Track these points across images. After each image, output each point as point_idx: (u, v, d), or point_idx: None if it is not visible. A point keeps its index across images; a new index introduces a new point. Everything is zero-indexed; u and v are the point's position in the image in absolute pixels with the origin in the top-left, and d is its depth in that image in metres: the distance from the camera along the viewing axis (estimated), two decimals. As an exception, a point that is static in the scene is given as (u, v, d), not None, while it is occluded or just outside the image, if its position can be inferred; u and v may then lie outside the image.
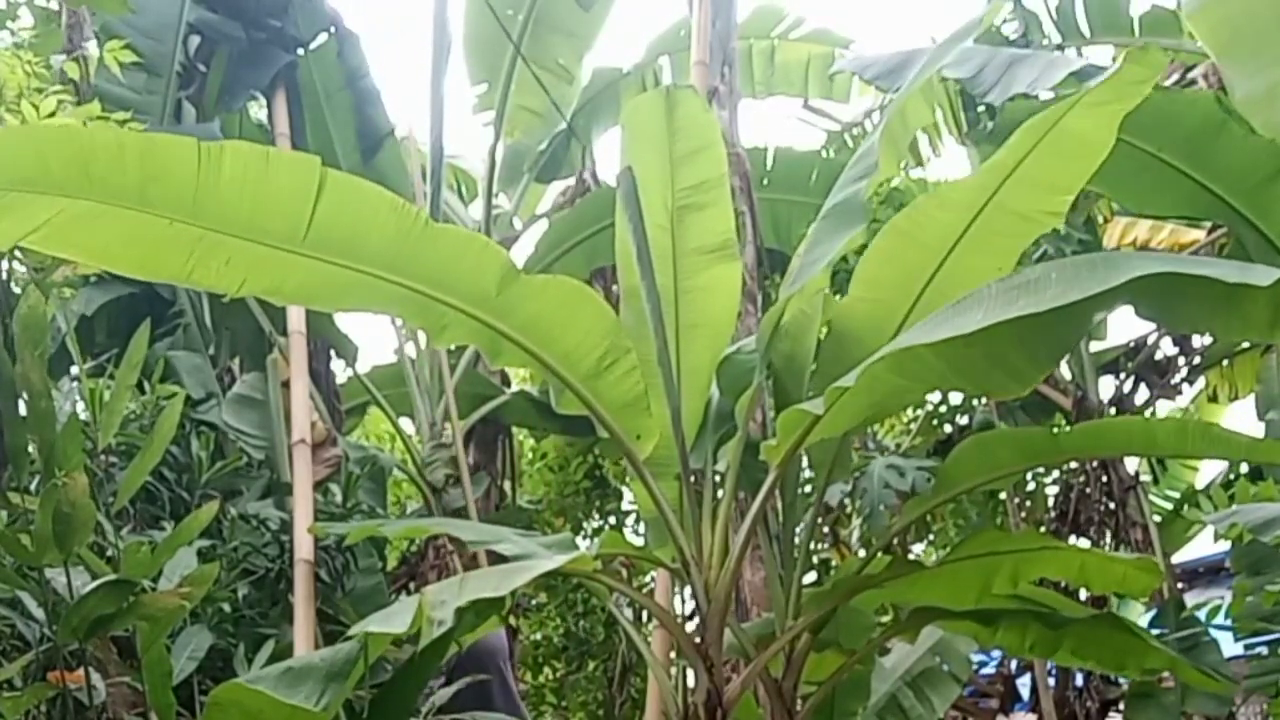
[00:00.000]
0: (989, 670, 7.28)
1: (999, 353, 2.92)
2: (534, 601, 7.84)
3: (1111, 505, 6.33)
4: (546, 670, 8.14)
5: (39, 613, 3.22)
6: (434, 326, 3.39)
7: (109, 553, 3.47)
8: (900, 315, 3.44)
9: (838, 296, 5.98)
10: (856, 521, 6.93)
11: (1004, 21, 6.44)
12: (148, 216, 2.88)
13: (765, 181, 6.76)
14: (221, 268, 3.06)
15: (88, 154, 2.79)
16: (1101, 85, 2.92)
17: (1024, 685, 6.96)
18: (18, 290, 3.61)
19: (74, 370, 4.17)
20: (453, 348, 6.96)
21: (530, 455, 8.47)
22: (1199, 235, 6.02)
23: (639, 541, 4.87)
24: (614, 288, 6.72)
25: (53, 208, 2.81)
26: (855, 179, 3.71)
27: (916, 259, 3.38)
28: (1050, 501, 6.73)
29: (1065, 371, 6.68)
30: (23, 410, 3.27)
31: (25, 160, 2.77)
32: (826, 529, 7.01)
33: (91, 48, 5.59)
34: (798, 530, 3.94)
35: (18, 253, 3.70)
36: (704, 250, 3.82)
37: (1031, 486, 6.85)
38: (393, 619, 2.60)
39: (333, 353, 6.29)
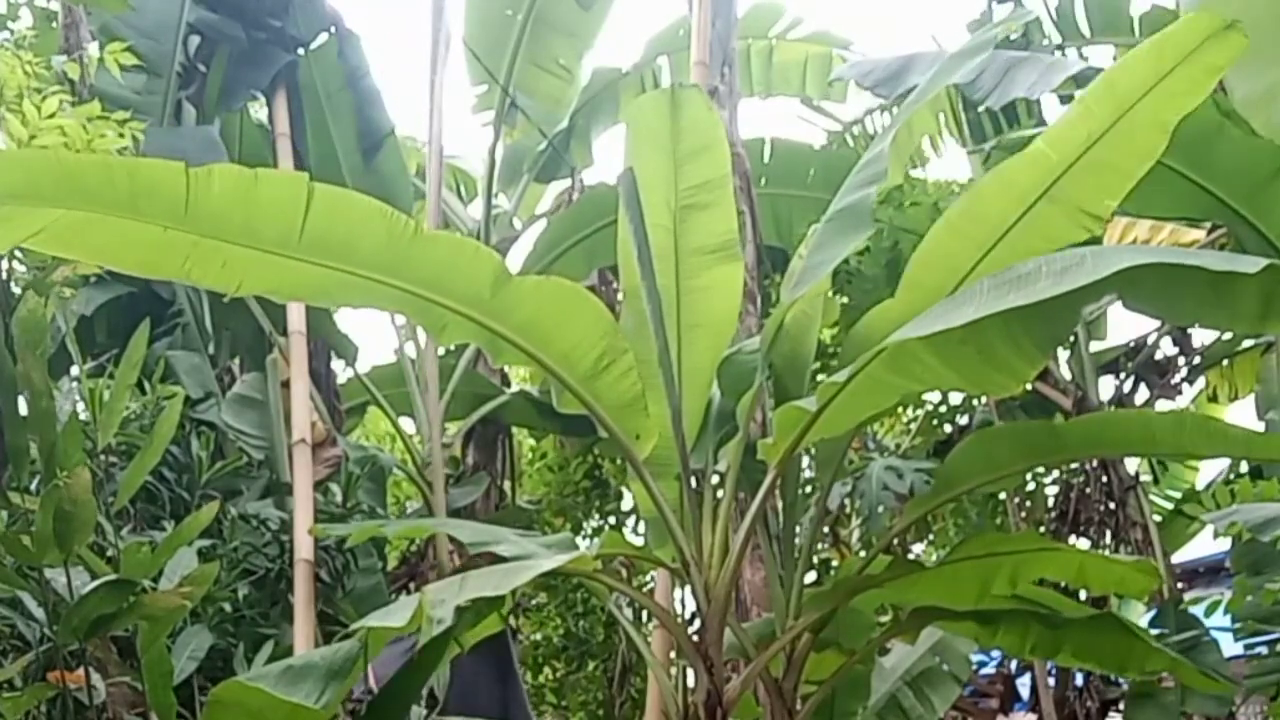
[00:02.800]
0: (989, 670, 7.28)
1: (991, 348, 2.92)
2: (534, 601, 7.85)
3: (1111, 505, 6.32)
4: (546, 670, 8.14)
5: (39, 613, 3.22)
6: (435, 326, 3.40)
7: (109, 553, 3.47)
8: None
9: (838, 298, 6.02)
10: (856, 522, 6.93)
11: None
12: (142, 224, 2.89)
13: (763, 177, 6.75)
14: (219, 270, 3.07)
15: (76, 174, 2.82)
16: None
17: (1024, 685, 6.96)
18: (18, 290, 3.61)
19: (74, 370, 4.17)
20: (453, 347, 6.97)
21: (530, 455, 8.47)
22: (1199, 235, 6.02)
23: (639, 541, 4.88)
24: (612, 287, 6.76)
25: (49, 216, 2.83)
26: (863, 184, 3.69)
27: (957, 258, 3.31)
28: (1050, 502, 6.72)
29: (1065, 372, 6.68)
30: (23, 410, 3.27)
31: (15, 181, 2.79)
32: (827, 529, 7.01)
33: (91, 48, 5.59)
34: (798, 530, 3.94)
35: (18, 253, 3.71)
36: (706, 250, 3.81)
37: (1031, 487, 6.85)
38: (392, 616, 2.60)
39: (333, 353, 6.29)
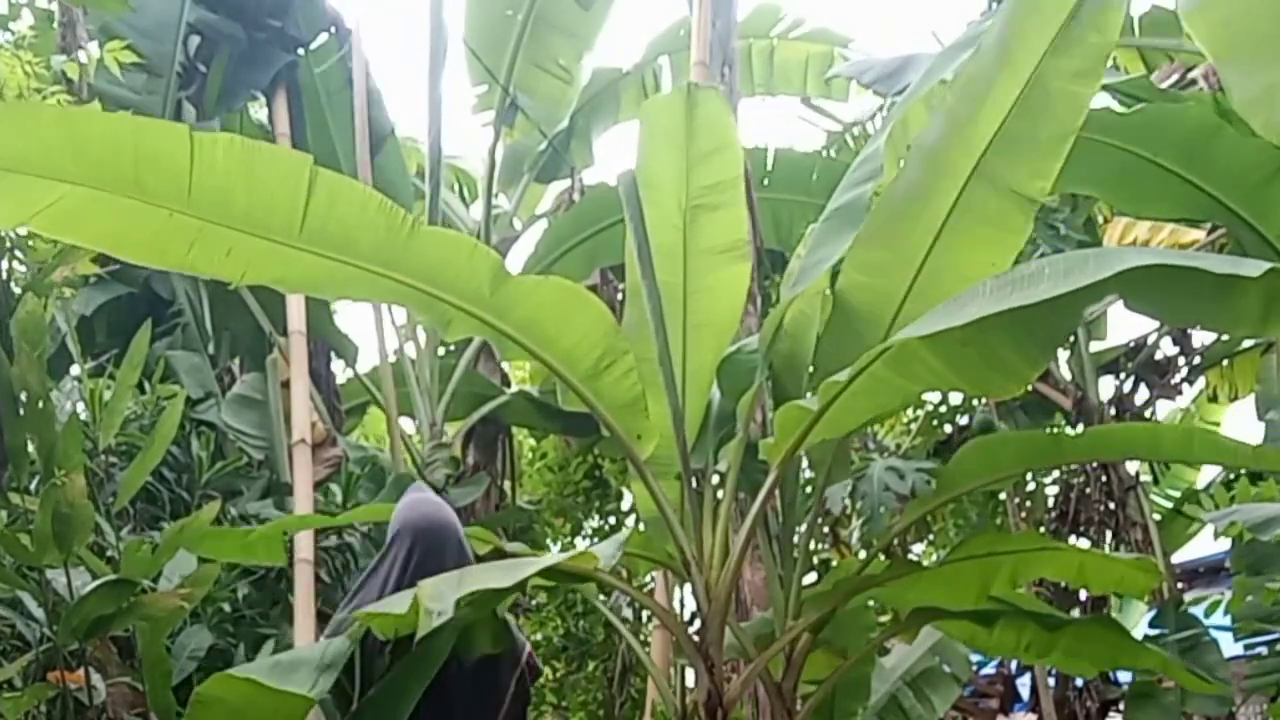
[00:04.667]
0: (989, 670, 7.28)
1: (993, 349, 2.92)
2: (534, 601, 7.85)
3: (1111, 505, 6.32)
4: (546, 670, 8.13)
5: (39, 613, 3.23)
6: (440, 321, 3.39)
7: (109, 553, 3.47)
8: (895, 304, 3.39)
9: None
10: (857, 522, 6.93)
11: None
12: (148, 206, 2.86)
13: (766, 182, 6.75)
14: (222, 258, 3.04)
15: (83, 137, 2.76)
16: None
17: (1024, 685, 6.96)
18: (18, 290, 3.62)
19: (74, 370, 4.17)
20: (452, 346, 6.98)
21: (530, 455, 8.47)
22: (1199, 235, 6.02)
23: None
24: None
25: (54, 193, 2.78)
26: (859, 182, 3.69)
27: (908, 241, 3.31)
28: (1050, 502, 6.73)
29: (1065, 372, 6.69)
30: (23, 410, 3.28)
31: (25, 139, 2.73)
32: (826, 529, 7.01)
33: (90, 48, 5.59)
34: (798, 530, 3.94)
35: (18, 253, 3.71)
36: (715, 250, 3.80)
37: (1031, 487, 6.86)
38: (391, 606, 2.60)
39: (333, 353, 6.29)
